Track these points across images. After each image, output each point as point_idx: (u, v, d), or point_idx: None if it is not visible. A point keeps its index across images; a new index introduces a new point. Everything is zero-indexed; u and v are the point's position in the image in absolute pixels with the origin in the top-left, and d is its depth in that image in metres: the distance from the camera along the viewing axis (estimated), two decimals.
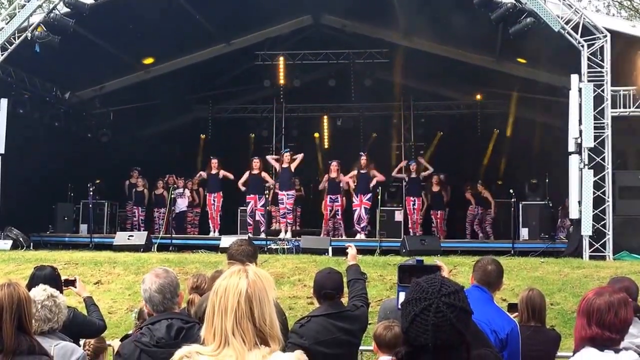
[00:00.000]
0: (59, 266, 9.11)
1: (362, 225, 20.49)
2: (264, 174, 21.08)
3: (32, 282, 6.22)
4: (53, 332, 5.15)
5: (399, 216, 22.15)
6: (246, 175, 20.79)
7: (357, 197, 20.44)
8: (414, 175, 22.31)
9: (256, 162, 20.78)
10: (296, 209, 23.02)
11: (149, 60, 24.54)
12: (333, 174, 20.81)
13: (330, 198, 21.01)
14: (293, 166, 20.61)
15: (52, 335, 5.09)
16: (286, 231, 20.36)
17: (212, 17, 22.11)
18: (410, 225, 22.03)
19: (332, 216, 22.16)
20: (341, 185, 21.05)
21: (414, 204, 21.97)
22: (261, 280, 3.01)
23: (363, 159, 20.66)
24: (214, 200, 21.21)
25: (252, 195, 20.62)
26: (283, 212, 20.66)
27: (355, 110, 28.21)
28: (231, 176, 21.21)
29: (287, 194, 20.42)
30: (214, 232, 21.18)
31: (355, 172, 20.70)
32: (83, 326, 6.76)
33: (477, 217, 23.46)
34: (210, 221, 21.48)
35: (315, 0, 22.31)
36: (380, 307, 6.88)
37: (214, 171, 21.20)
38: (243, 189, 20.85)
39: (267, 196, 20.38)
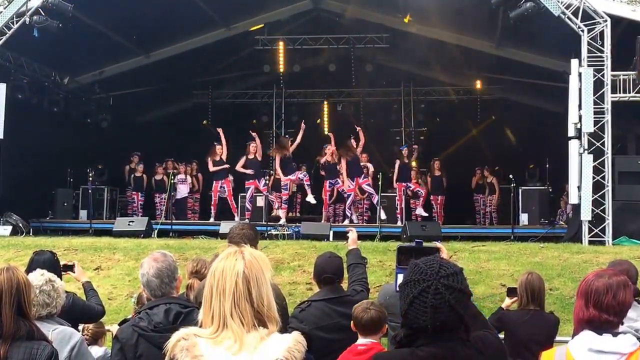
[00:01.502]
0: (58, 252, 9.07)
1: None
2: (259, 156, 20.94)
3: (31, 267, 6.21)
4: (51, 316, 5.15)
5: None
6: (243, 159, 20.69)
7: (353, 181, 20.42)
8: (405, 160, 22.06)
9: (253, 146, 20.72)
10: (296, 195, 23.04)
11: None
12: (328, 158, 20.73)
13: (330, 182, 20.99)
14: (291, 149, 20.62)
15: (50, 320, 5.09)
16: (285, 218, 20.40)
17: (213, 1, 22.02)
18: (398, 212, 21.94)
19: (332, 202, 22.19)
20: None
21: (405, 190, 21.89)
22: (257, 261, 3.04)
23: (353, 141, 20.63)
24: (221, 187, 21.02)
25: (251, 181, 20.54)
26: (285, 198, 20.64)
27: (355, 96, 28.16)
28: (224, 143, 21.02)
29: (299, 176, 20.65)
30: (236, 216, 21.00)
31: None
32: (82, 311, 6.76)
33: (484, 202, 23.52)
34: (212, 208, 21.21)
35: None
36: (379, 292, 6.87)
37: (218, 157, 21.09)
38: (249, 171, 20.66)
39: (267, 180, 20.39)
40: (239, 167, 20.76)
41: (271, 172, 21.72)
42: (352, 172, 20.47)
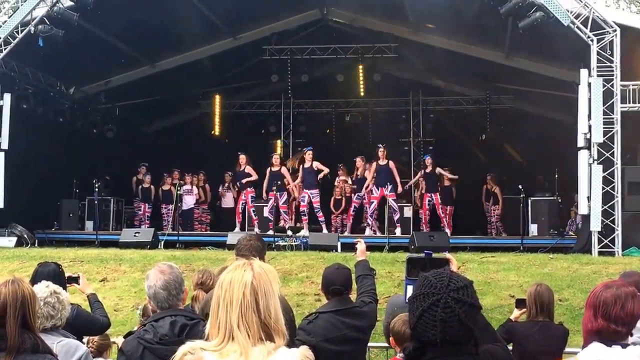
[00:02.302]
0: (64, 263, 9.02)
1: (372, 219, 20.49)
2: (283, 170, 20.92)
3: (36, 279, 6.16)
4: (56, 329, 5.11)
5: (408, 212, 22.07)
6: (268, 174, 20.71)
7: (378, 189, 20.31)
8: (429, 169, 21.80)
9: (276, 158, 20.69)
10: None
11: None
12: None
13: (358, 195, 21.05)
14: (316, 165, 20.52)
15: (54, 333, 5.04)
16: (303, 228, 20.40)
17: (219, 10, 22.03)
18: (423, 222, 21.90)
19: (340, 212, 22.15)
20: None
21: (430, 200, 21.81)
22: (266, 273, 3.02)
23: (381, 150, 20.50)
24: (244, 197, 20.97)
25: (271, 192, 20.46)
26: (303, 209, 20.57)
27: (364, 106, 28.12)
28: (254, 175, 21.04)
29: (311, 193, 20.36)
30: (256, 228, 20.88)
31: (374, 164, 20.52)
32: (87, 323, 6.71)
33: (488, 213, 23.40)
34: (237, 217, 21.21)
35: None
36: (387, 303, 6.80)
37: (242, 168, 21.04)
38: (266, 197, 20.84)
39: (289, 192, 20.42)
40: (264, 190, 20.89)
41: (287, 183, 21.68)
42: (378, 180, 20.36)
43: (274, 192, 20.10)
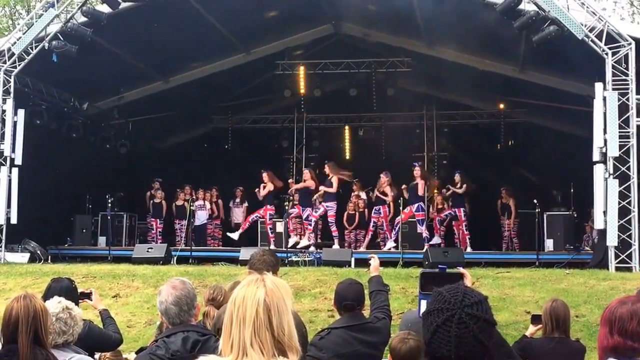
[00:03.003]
0: (76, 279, 9.00)
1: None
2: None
3: (48, 294, 6.16)
4: (68, 345, 5.10)
5: (421, 227, 21.97)
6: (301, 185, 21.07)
7: (408, 208, 20.30)
8: (458, 186, 21.75)
9: (306, 173, 20.79)
10: (318, 222, 22.98)
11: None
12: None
13: (375, 210, 21.10)
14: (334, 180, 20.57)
15: (66, 348, 5.04)
16: (309, 240, 20.33)
17: (232, 26, 22.10)
18: (457, 237, 22.02)
19: (354, 227, 22.10)
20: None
21: (452, 215, 21.72)
22: (279, 289, 2.95)
23: (417, 169, 20.53)
24: (263, 213, 21.09)
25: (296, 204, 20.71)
26: (312, 219, 20.58)
27: (377, 120, 28.14)
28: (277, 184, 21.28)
29: (327, 205, 20.36)
30: (272, 244, 20.86)
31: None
32: (99, 339, 6.67)
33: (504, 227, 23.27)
34: (243, 223, 21.55)
35: (336, 9, 22.18)
36: (401, 319, 6.73)
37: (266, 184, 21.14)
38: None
39: (315, 203, 20.61)
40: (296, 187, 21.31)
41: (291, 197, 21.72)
42: (409, 198, 20.40)
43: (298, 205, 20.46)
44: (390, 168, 21.67)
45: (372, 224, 21.19)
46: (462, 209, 21.53)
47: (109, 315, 7.36)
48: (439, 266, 4.21)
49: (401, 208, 20.13)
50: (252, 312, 2.85)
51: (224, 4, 20.10)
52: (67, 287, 6.61)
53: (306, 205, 20.58)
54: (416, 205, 20.12)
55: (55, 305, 5.16)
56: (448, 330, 2.79)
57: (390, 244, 20.45)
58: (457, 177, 21.93)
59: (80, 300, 6.91)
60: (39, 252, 19.39)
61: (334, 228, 20.51)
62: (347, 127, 28.63)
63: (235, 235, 21.12)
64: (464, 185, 21.51)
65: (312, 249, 19.92)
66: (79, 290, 7.11)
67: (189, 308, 4.71)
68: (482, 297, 2.89)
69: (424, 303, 3.59)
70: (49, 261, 19.26)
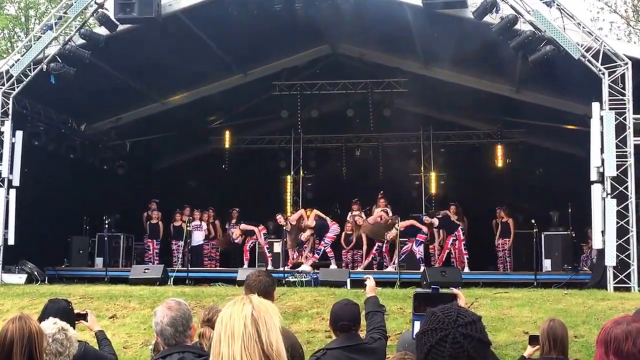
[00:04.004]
0: (73, 300, 8.98)
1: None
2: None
3: (44, 315, 6.11)
4: None
5: (416, 248, 21.96)
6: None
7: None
8: (453, 218, 22.14)
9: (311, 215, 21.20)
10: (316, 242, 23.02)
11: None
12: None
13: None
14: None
15: None
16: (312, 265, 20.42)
17: (229, 47, 22.19)
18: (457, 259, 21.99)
19: (351, 247, 22.09)
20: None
21: (455, 239, 21.73)
22: (266, 306, 2.96)
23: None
24: (257, 235, 21.24)
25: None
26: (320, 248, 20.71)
27: (374, 141, 28.13)
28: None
29: (332, 228, 20.61)
30: (269, 265, 21.02)
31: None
32: None
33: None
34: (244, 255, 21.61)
35: (332, 29, 22.24)
36: (398, 340, 6.70)
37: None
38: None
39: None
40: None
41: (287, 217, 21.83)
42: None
43: None
44: (388, 188, 21.66)
45: (376, 247, 21.20)
46: (459, 229, 21.50)
47: (104, 336, 7.31)
48: (432, 287, 4.20)
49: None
50: (241, 326, 2.85)
51: (221, 26, 20.17)
52: (64, 308, 6.56)
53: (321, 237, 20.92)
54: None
55: (51, 326, 5.15)
56: (442, 350, 2.78)
57: (390, 268, 20.46)
58: (452, 209, 22.03)
59: (76, 322, 6.87)
60: (36, 273, 19.34)
61: (328, 249, 20.54)
62: (344, 148, 28.62)
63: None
64: (456, 218, 21.81)
65: (309, 269, 19.90)
66: (75, 312, 7.07)
67: (184, 329, 4.67)
68: (476, 317, 2.87)
69: (417, 324, 3.57)
70: (46, 282, 19.19)
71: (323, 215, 21.18)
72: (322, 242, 20.78)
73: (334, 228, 20.62)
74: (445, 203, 23.66)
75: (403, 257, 20.34)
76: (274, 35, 21.39)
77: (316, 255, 20.81)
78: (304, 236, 21.19)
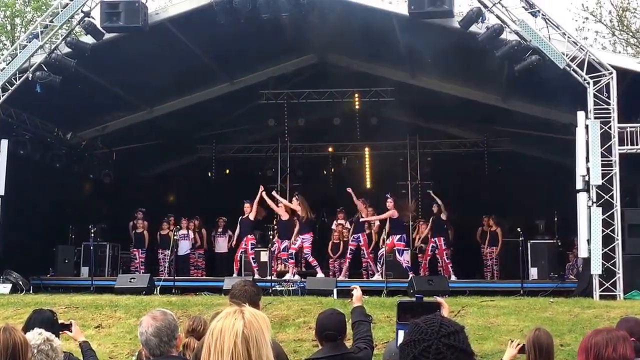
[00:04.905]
0: (59, 310, 8.93)
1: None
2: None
3: (29, 326, 6.06)
4: None
5: (406, 257, 21.96)
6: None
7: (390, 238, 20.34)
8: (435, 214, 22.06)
9: (295, 201, 20.86)
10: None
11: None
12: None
13: (354, 237, 21.20)
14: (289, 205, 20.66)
15: None
16: (294, 274, 20.23)
17: (216, 55, 22.19)
18: (422, 266, 22.04)
19: (337, 256, 22.05)
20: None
21: (434, 246, 21.74)
22: (258, 321, 2.94)
23: (389, 201, 20.64)
24: (245, 244, 20.97)
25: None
26: (292, 252, 20.52)
27: (360, 149, 28.15)
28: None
29: (303, 238, 20.30)
30: (256, 274, 20.65)
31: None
32: None
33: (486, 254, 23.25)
34: (234, 264, 21.29)
35: (319, 38, 22.25)
36: (385, 349, 6.68)
37: (245, 216, 21.11)
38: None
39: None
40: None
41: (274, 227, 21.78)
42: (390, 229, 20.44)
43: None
44: (374, 197, 21.66)
45: (349, 251, 21.18)
46: (442, 238, 21.56)
47: (89, 347, 7.26)
48: (416, 295, 4.20)
49: (384, 237, 20.15)
50: (231, 344, 2.84)
51: (208, 35, 20.19)
52: (48, 319, 6.51)
53: (285, 237, 20.68)
54: (398, 235, 20.16)
55: (37, 337, 5.08)
56: None
57: (377, 277, 20.41)
58: (434, 207, 22.07)
59: (60, 332, 6.82)
60: (21, 282, 19.19)
61: (310, 259, 20.47)
62: (330, 156, 28.61)
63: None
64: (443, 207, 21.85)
65: (296, 277, 19.84)
66: (59, 322, 7.03)
67: (169, 339, 4.65)
68: (459, 327, 2.87)
69: (401, 333, 3.57)
70: (31, 292, 19.02)
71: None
72: (304, 254, 20.72)
73: (307, 237, 20.49)
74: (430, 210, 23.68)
75: (382, 259, 20.34)
76: (261, 44, 21.41)
77: (292, 260, 20.68)
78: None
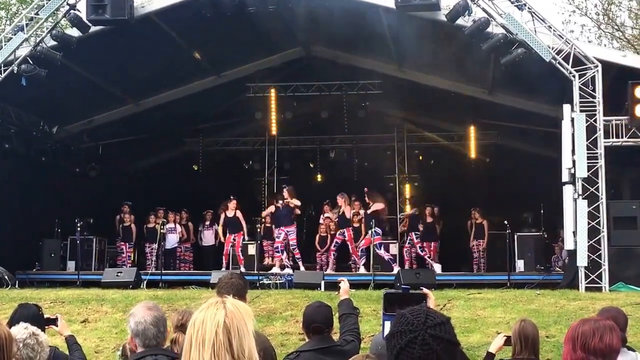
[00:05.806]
0: (44, 305, 8.89)
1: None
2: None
3: (14, 320, 6.05)
4: None
5: (393, 249, 22.02)
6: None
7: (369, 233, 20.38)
8: (429, 220, 22.38)
9: (286, 192, 20.86)
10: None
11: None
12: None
13: (340, 232, 21.15)
14: (292, 203, 20.55)
15: None
16: (283, 267, 20.23)
17: (203, 49, 22.12)
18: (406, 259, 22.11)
19: (325, 250, 22.06)
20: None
21: (410, 239, 21.88)
22: (239, 311, 2.94)
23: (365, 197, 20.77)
24: (234, 239, 20.95)
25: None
26: (277, 246, 20.51)
27: (348, 142, 28.15)
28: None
29: (287, 230, 20.28)
30: (242, 267, 20.66)
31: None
32: None
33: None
34: (224, 257, 21.16)
35: (306, 31, 22.23)
36: (372, 341, 6.69)
37: (230, 212, 21.06)
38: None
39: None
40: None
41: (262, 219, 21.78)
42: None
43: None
44: (362, 190, 21.65)
45: (334, 243, 21.19)
46: (413, 233, 21.82)
47: (75, 341, 7.25)
48: (402, 286, 4.21)
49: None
50: (212, 334, 2.84)
51: (194, 28, 20.11)
52: (34, 313, 6.51)
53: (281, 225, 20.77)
54: (369, 231, 20.15)
55: (22, 331, 5.11)
56: (411, 352, 2.79)
57: (361, 269, 20.44)
58: (428, 210, 22.20)
59: (45, 327, 6.80)
60: (6, 277, 19.07)
61: (296, 251, 20.49)
62: (318, 149, 28.62)
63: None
64: (432, 220, 22.00)
65: (286, 270, 19.83)
66: (45, 316, 7.01)
67: (164, 330, 4.67)
68: (445, 319, 2.89)
69: (387, 324, 3.58)
70: (17, 286, 18.93)
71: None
72: (291, 247, 20.74)
73: (292, 229, 20.52)
74: (421, 204, 23.71)
75: (363, 249, 20.42)
76: (248, 37, 21.35)
77: (278, 254, 20.68)
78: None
